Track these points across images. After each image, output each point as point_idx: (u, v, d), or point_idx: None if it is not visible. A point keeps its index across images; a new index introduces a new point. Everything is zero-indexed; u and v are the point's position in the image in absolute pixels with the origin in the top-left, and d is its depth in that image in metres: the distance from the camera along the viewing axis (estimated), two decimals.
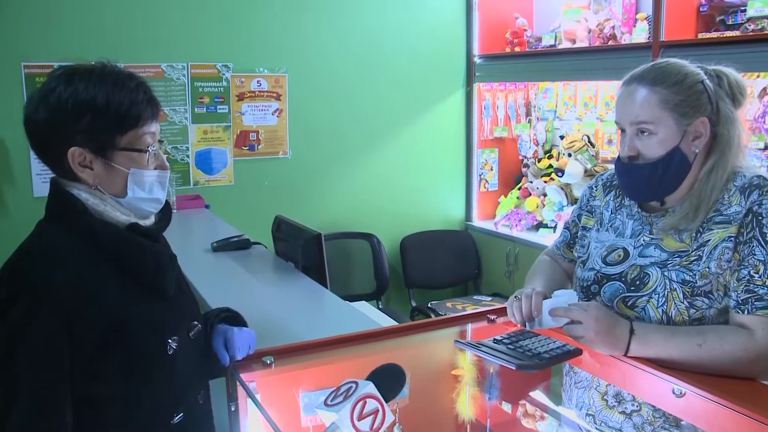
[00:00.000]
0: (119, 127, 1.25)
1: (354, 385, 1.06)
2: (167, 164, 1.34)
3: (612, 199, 1.62)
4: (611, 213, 1.60)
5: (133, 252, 1.27)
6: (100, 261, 1.24)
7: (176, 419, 1.33)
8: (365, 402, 1.04)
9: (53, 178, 1.30)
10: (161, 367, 1.29)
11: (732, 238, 1.37)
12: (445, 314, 3.93)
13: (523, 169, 4.69)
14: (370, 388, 1.06)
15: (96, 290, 1.21)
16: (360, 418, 1.03)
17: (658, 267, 1.44)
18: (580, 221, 1.69)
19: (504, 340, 1.41)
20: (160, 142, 1.33)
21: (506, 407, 1.68)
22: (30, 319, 1.16)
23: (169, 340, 1.30)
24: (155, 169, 1.31)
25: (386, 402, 1.07)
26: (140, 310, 1.27)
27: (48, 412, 1.17)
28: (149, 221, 1.34)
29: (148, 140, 1.28)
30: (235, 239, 2.89)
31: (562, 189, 4.14)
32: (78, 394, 1.20)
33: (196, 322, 1.40)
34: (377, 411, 1.05)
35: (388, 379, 1.11)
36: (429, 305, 4.21)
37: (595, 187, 1.68)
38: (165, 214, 1.38)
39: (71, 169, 1.24)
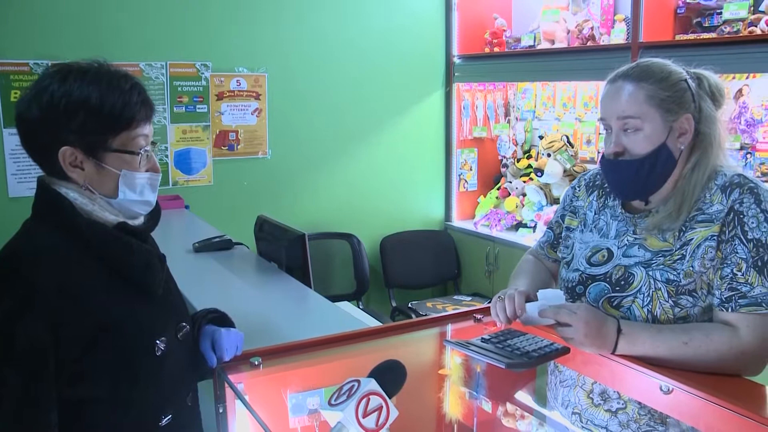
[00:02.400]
0: (112, 129, 1.24)
1: (356, 383, 1.07)
2: (159, 167, 1.33)
3: (595, 199, 1.62)
4: (594, 213, 1.61)
5: (121, 251, 1.26)
6: (88, 261, 1.23)
7: (164, 421, 1.32)
8: (369, 399, 1.05)
9: (40, 177, 1.28)
10: (149, 368, 1.28)
11: (714, 237, 1.38)
12: (426, 314, 3.96)
13: (503, 169, 4.72)
14: (373, 384, 1.07)
15: (83, 290, 1.20)
16: (365, 415, 1.04)
17: (643, 267, 1.45)
18: (563, 222, 1.69)
19: (492, 339, 1.41)
20: (153, 143, 1.31)
21: (486, 407, 1.69)
22: (15, 321, 1.14)
23: (158, 341, 1.29)
24: (147, 171, 1.30)
25: (389, 398, 1.07)
26: (128, 310, 1.26)
27: (32, 414, 1.15)
28: (138, 221, 1.33)
29: (141, 142, 1.27)
30: (217, 239, 2.87)
31: (541, 189, 4.16)
32: (65, 395, 1.19)
33: (184, 323, 1.39)
34: (381, 407, 1.06)
35: (390, 375, 1.12)
36: (409, 305, 4.21)
37: (578, 187, 1.69)
38: (154, 215, 1.37)
39: (62, 168, 1.23)
